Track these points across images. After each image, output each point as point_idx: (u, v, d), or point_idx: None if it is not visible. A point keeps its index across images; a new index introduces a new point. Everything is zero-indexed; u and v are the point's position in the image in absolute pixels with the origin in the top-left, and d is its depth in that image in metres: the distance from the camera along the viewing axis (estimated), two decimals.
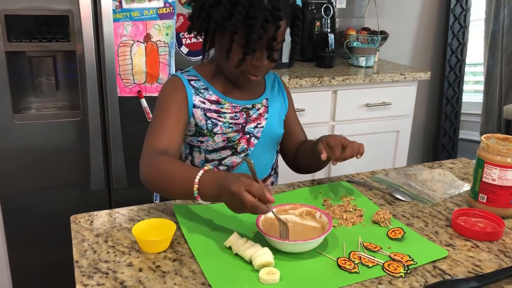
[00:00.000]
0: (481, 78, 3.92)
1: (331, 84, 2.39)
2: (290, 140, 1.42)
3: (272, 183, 1.38)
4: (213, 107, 1.25)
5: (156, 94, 2.03)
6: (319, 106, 2.45)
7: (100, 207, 2.13)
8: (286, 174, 1.52)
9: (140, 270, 0.89)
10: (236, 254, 0.93)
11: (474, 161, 1.17)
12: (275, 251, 0.93)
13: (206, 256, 0.93)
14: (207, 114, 1.24)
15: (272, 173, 1.39)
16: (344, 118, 2.53)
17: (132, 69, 2.02)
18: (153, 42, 2.02)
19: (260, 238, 1.00)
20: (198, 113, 1.24)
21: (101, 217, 1.08)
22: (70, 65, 2.02)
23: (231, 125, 1.26)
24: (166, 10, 2.01)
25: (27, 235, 2.04)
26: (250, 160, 0.95)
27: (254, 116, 1.29)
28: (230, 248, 0.94)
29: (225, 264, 0.91)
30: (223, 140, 1.26)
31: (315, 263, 0.93)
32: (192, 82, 1.26)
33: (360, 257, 0.94)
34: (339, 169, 2.57)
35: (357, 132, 2.56)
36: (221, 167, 1.29)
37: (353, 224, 1.08)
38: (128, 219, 1.07)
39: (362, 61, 2.68)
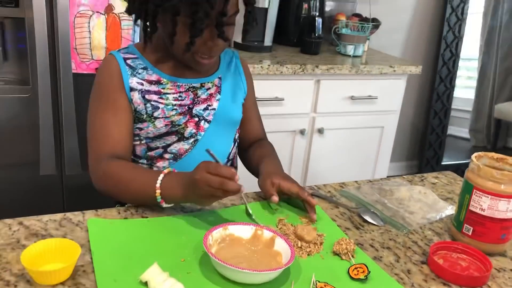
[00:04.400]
0: (475, 74, 3.79)
1: (314, 72, 2.22)
2: (244, 129, 1.29)
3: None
4: (153, 88, 1.10)
5: None
6: (300, 96, 2.28)
7: (52, 192, 1.98)
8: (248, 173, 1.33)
9: None
10: None
11: (462, 178, 0.99)
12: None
13: None
14: (146, 96, 1.10)
15: (228, 164, 1.23)
16: (326, 110, 2.37)
17: (90, 43, 1.81)
18: (115, 14, 1.81)
19: (189, 271, 0.81)
20: (136, 96, 1.09)
21: None
22: (19, 34, 1.81)
23: (175, 107, 1.11)
24: None
25: None
26: (209, 150, 0.96)
27: (204, 96, 1.14)
28: (147, 283, 0.75)
29: None
30: (166, 125, 1.11)
31: None
32: (129, 61, 1.11)
33: None
34: (315, 169, 2.42)
35: (339, 126, 2.43)
36: (167, 155, 1.14)
37: (308, 254, 0.89)
38: (31, 234, 0.86)
39: (350, 49, 2.50)
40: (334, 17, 2.73)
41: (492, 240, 0.93)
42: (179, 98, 1.11)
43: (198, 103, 1.13)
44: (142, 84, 1.09)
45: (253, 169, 1.24)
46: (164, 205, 0.97)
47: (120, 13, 1.81)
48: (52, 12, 1.72)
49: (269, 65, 2.12)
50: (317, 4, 2.58)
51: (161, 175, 0.96)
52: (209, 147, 1.14)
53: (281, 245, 0.86)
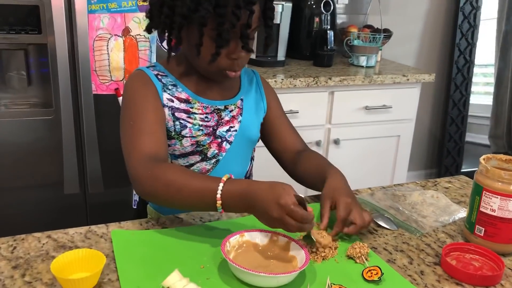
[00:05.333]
0: (492, 80, 3.76)
1: (327, 84, 2.24)
2: (280, 145, 1.27)
3: None
4: (182, 106, 1.11)
5: None
6: (315, 108, 2.31)
7: (76, 211, 2.03)
8: None
9: None
10: None
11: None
12: None
13: None
14: (176, 114, 1.11)
15: None
16: (341, 121, 2.39)
17: (109, 65, 1.88)
18: (132, 36, 1.88)
19: (208, 277, 0.84)
20: (166, 113, 1.10)
21: (28, 242, 0.92)
22: (42, 60, 1.89)
23: (201, 128, 1.12)
24: (146, 1, 1.86)
25: None
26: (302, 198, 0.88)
27: (227, 118, 1.16)
28: None
29: None
30: (192, 144, 1.12)
31: None
32: (159, 77, 1.12)
33: None
34: None
35: (355, 136, 2.44)
36: None
37: (323, 259, 0.92)
38: (59, 246, 0.91)
39: (362, 60, 2.53)
40: (346, 29, 2.75)
41: (504, 240, 0.94)
42: (205, 119, 1.13)
43: (221, 125, 1.15)
44: (172, 101, 1.11)
45: (311, 183, 1.20)
46: (223, 213, 0.95)
47: (137, 35, 1.88)
48: (72, 37, 1.79)
49: (282, 79, 2.15)
50: (328, 17, 2.62)
51: (221, 184, 0.91)
52: (228, 168, 1.16)
53: (296, 249, 0.89)
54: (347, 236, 1.00)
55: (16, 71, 1.88)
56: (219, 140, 1.15)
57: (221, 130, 1.15)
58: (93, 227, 0.98)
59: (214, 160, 1.15)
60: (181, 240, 0.96)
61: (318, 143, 2.35)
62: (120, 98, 1.87)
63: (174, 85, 1.12)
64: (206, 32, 1.01)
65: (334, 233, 0.98)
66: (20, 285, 0.80)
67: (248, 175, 1.27)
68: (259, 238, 0.93)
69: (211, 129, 1.13)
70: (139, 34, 1.89)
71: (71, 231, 0.97)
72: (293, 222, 0.85)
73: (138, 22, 1.87)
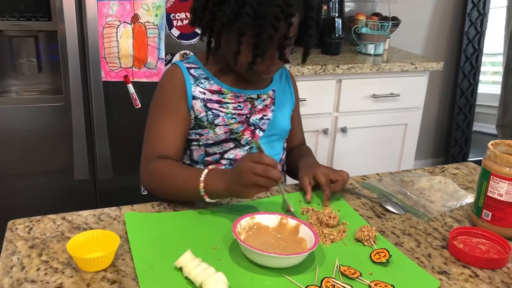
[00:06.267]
0: (501, 69, 3.74)
1: (335, 72, 2.24)
2: (288, 139, 1.33)
3: (282, 182, 1.27)
4: (214, 97, 1.15)
5: (144, 80, 1.92)
6: (322, 96, 2.31)
7: (85, 196, 2.06)
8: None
9: None
10: (187, 277, 0.79)
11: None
12: (232, 275, 0.79)
13: (151, 278, 0.79)
14: (208, 105, 1.15)
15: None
16: (348, 109, 2.39)
17: (118, 52, 1.89)
18: (141, 23, 1.88)
19: (219, 258, 0.86)
20: (198, 104, 1.14)
21: (43, 223, 0.94)
22: (52, 47, 1.91)
23: (234, 116, 1.16)
24: None
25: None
26: (257, 140, 0.97)
27: (260, 107, 1.20)
28: (181, 269, 0.81)
29: None
30: (225, 132, 1.16)
31: None
32: (192, 71, 1.16)
33: (334, 285, 0.79)
34: (339, 168, 2.44)
35: (362, 125, 2.45)
36: (223, 161, 1.20)
37: (332, 241, 0.93)
38: (73, 227, 0.93)
39: (370, 48, 2.52)
40: (354, 17, 2.75)
41: (511, 225, 0.95)
42: (238, 108, 1.16)
43: (254, 113, 1.18)
44: (204, 93, 1.14)
45: (291, 170, 1.30)
46: (207, 199, 0.99)
47: (146, 22, 1.89)
48: (82, 24, 1.80)
49: (290, 67, 2.15)
50: (336, 5, 2.61)
51: (206, 170, 0.99)
52: None
53: (305, 232, 0.91)
54: (335, 198, 1.11)
55: (27, 58, 1.90)
56: (252, 127, 1.18)
57: (255, 118, 1.18)
58: (106, 209, 1.01)
59: (247, 147, 1.19)
60: (193, 222, 0.98)
61: (325, 131, 2.35)
62: (130, 85, 1.90)
63: (206, 78, 1.16)
64: (244, 40, 1.02)
65: (326, 198, 1.08)
66: (38, 264, 0.82)
67: (282, 164, 1.30)
68: (269, 221, 0.95)
69: (244, 117, 1.17)
70: (148, 21, 1.89)
71: (84, 213, 0.99)
72: (258, 165, 0.90)
73: (147, 10, 1.88)
